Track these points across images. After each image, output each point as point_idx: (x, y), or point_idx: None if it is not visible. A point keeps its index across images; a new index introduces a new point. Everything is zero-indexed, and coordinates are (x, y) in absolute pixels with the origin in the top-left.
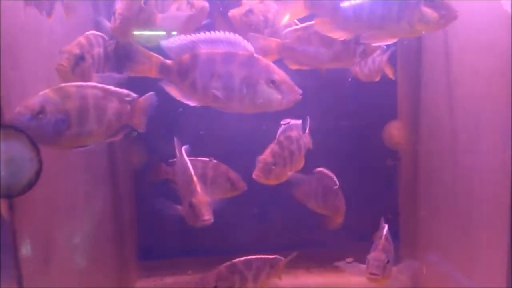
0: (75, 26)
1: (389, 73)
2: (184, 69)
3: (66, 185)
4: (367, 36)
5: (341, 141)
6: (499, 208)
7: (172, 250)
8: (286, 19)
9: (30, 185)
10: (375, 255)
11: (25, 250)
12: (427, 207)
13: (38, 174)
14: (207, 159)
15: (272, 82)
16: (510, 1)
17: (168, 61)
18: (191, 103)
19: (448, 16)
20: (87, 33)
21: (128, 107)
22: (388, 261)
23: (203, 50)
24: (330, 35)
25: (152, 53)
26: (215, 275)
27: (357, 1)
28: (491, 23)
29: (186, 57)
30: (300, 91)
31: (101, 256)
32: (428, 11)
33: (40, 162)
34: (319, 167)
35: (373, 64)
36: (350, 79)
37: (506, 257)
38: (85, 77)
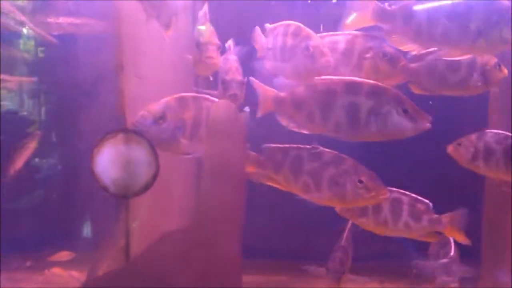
0: (180, 33)
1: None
2: (299, 101)
3: (166, 186)
4: (440, 52)
5: (428, 155)
6: None
7: None
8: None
9: (147, 187)
10: None
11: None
12: None
13: (154, 177)
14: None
15: (405, 111)
16: None
17: (282, 94)
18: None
19: None
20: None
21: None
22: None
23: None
24: (401, 48)
25: (266, 87)
26: None
27: (431, 13)
28: None
29: (300, 89)
30: (430, 118)
31: None
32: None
33: (157, 166)
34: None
35: None
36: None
37: None
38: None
